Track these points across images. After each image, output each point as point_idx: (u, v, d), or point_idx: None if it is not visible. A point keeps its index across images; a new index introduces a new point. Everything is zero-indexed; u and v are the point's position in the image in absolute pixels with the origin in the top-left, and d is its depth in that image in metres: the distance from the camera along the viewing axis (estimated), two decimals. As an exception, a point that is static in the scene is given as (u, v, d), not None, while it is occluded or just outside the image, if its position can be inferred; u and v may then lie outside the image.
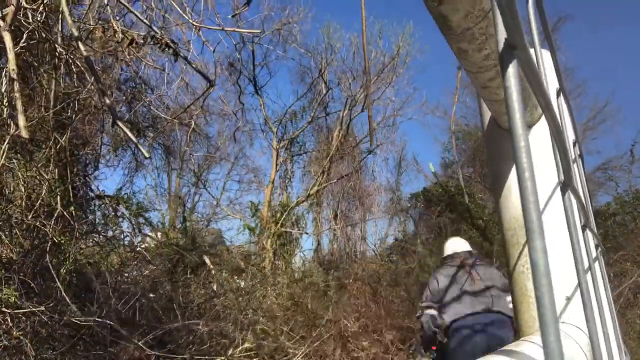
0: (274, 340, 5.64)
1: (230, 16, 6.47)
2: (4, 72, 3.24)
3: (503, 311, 3.32)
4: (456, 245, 3.90)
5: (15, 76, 2.28)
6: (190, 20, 3.21)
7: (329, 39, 11.08)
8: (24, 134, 2.18)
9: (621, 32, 22.36)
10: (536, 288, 0.33)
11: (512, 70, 0.41)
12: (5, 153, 3.10)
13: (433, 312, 3.49)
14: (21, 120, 2.17)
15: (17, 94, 2.34)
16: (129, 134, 2.32)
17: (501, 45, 0.45)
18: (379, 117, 12.10)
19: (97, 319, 3.61)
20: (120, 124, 2.19)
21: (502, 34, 0.46)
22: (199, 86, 8.68)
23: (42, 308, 3.26)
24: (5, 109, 3.19)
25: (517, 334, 3.62)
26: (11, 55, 2.19)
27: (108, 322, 3.77)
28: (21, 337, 3.09)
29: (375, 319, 6.88)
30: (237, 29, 4.64)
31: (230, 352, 4.61)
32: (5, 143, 3.10)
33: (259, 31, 8.90)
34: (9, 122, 3.27)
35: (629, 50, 21.15)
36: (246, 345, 4.97)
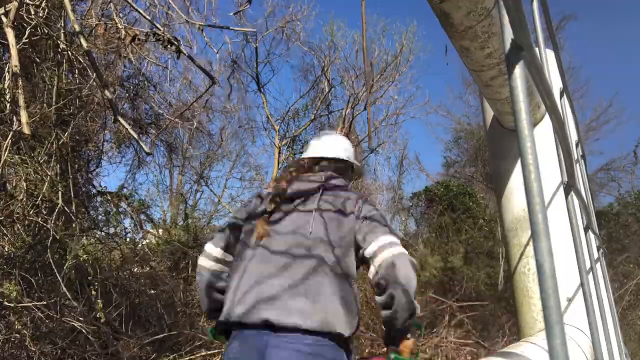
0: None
1: (232, 13, 6.46)
2: (6, 68, 3.24)
3: (317, 327, 1.41)
4: (316, 146, 2.00)
5: (18, 72, 2.28)
6: (194, 21, 3.21)
7: (332, 37, 11.06)
8: (26, 130, 2.19)
9: (626, 31, 22.27)
10: (541, 290, 0.32)
11: (518, 70, 0.41)
12: (7, 149, 3.10)
13: (205, 264, 1.73)
14: (23, 116, 2.17)
15: (19, 90, 2.34)
16: (130, 129, 2.32)
17: (507, 46, 0.45)
18: (382, 115, 12.09)
19: (97, 316, 3.62)
20: (120, 119, 2.19)
21: (508, 34, 0.45)
22: (201, 84, 8.69)
23: (44, 303, 3.27)
24: (7, 105, 3.19)
25: (518, 334, 3.60)
26: (14, 51, 2.19)
27: (108, 318, 3.78)
28: (22, 332, 3.10)
29: (375, 317, 6.88)
30: (237, 29, 4.63)
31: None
32: (8, 139, 3.10)
33: (255, 30, 8.89)
34: (11, 118, 3.28)
35: (634, 50, 21.08)
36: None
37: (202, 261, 1.74)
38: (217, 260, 1.73)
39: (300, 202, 1.71)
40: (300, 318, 1.41)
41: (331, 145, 1.98)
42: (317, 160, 1.92)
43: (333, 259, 1.54)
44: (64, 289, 3.44)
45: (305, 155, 2.01)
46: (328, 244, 1.57)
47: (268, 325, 1.42)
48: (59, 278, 3.40)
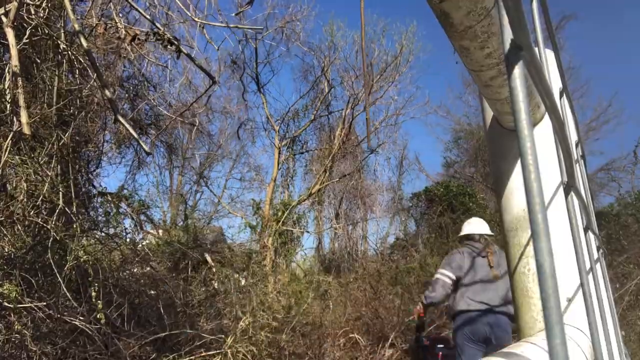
0: (274, 338, 5.65)
1: (233, 14, 6.46)
2: (7, 69, 3.24)
3: (509, 311, 3.27)
4: (478, 226, 3.69)
5: (18, 72, 2.28)
6: (194, 18, 3.21)
7: (332, 37, 11.07)
8: (27, 130, 2.19)
9: (626, 31, 22.28)
10: (542, 290, 0.32)
11: (518, 71, 0.41)
12: (8, 149, 3.10)
13: (448, 281, 3.49)
14: (24, 117, 2.18)
15: (19, 90, 2.34)
16: (130, 129, 2.32)
17: (507, 46, 0.45)
18: (381, 115, 12.10)
19: (97, 317, 3.62)
20: (121, 119, 2.19)
21: (508, 34, 0.45)
22: (201, 84, 8.69)
23: (44, 303, 3.26)
24: (8, 105, 3.19)
25: (518, 334, 3.62)
26: (14, 52, 2.19)
27: (109, 319, 3.78)
28: (22, 332, 3.10)
29: (375, 318, 6.88)
30: (240, 26, 4.63)
31: (227, 344, 4.62)
32: (8, 139, 3.10)
33: (261, 28, 8.90)
34: (11, 119, 3.27)
35: (634, 50, 21.07)
36: (245, 343, 4.97)
37: None
38: None
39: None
40: None
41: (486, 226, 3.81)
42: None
43: None
44: (64, 289, 3.44)
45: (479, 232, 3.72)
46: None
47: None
48: (59, 278, 3.40)
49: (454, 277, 3.51)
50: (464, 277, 3.45)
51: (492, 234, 3.69)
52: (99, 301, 3.72)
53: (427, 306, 3.76)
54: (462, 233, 3.75)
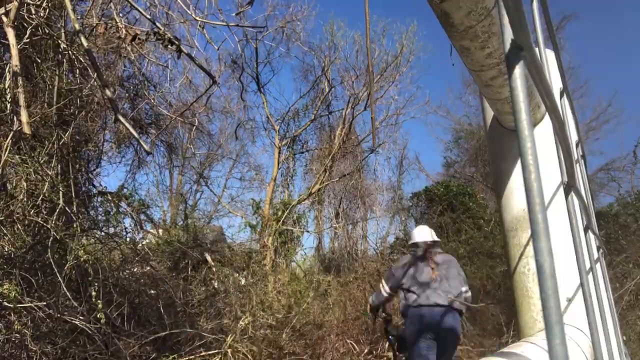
0: (274, 337, 5.65)
1: (234, 14, 6.47)
2: (7, 68, 3.24)
3: (455, 306, 3.71)
4: (422, 234, 4.12)
5: (18, 72, 2.28)
6: (195, 17, 3.21)
7: (332, 37, 11.07)
8: (27, 129, 2.19)
9: (626, 31, 22.28)
10: (541, 290, 0.32)
11: (518, 71, 0.41)
12: (8, 149, 3.10)
13: (383, 293, 4.07)
14: (24, 116, 2.18)
15: (20, 90, 2.34)
16: (130, 128, 2.32)
17: (507, 46, 0.45)
18: (382, 115, 12.10)
19: (97, 316, 3.62)
20: (121, 118, 2.19)
21: (508, 35, 0.45)
22: (201, 84, 8.69)
23: (44, 303, 3.27)
24: (8, 105, 3.19)
25: (518, 334, 3.60)
26: (14, 51, 2.19)
27: (109, 318, 3.78)
28: (22, 332, 3.10)
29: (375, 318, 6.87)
30: (240, 25, 4.64)
31: (227, 343, 4.62)
32: (9, 139, 3.10)
33: (262, 27, 8.91)
34: (12, 118, 3.28)
35: (634, 50, 21.07)
36: (245, 342, 4.98)
37: None
38: None
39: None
40: None
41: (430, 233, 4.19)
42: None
43: None
44: (64, 288, 3.44)
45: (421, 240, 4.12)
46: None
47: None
48: (59, 278, 3.40)
49: (387, 289, 4.04)
50: (406, 282, 3.89)
51: (438, 239, 4.11)
52: (99, 301, 3.72)
53: (374, 307, 4.30)
54: (410, 242, 4.26)
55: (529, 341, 2.03)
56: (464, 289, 3.86)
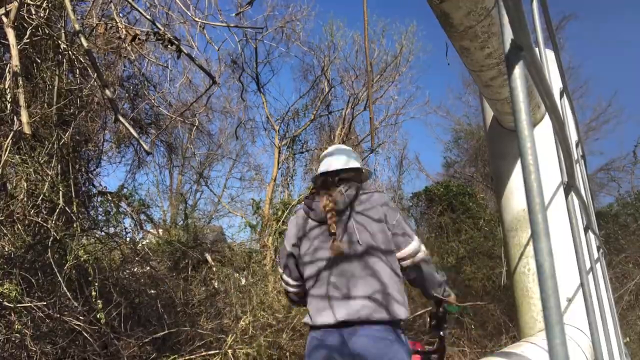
0: (274, 337, 5.65)
1: (233, 14, 6.46)
2: (7, 68, 3.24)
3: (381, 317, 1.77)
4: (330, 161, 2.09)
5: (18, 72, 2.28)
6: (195, 18, 3.21)
7: (332, 37, 11.08)
8: (27, 129, 2.19)
9: (626, 31, 22.28)
10: (541, 290, 0.32)
11: (518, 71, 0.41)
12: (8, 149, 3.10)
13: (288, 289, 2.15)
14: (24, 116, 2.18)
15: (20, 90, 2.35)
16: (130, 128, 2.32)
17: (507, 46, 0.45)
18: (381, 115, 12.11)
19: (97, 316, 3.62)
20: (121, 118, 2.19)
21: (508, 35, 0.45)
22: (201, 84, 8.70)
23: (44, 303, 3.27)
24: (8, 105, 3.19)
25: (518, 335, 3.60)
26: (14, 52, 2.20)
27: (109, 318, 3.78)
28: (22, 332, 3.10)
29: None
30: (240, 26, 4.63)
31: (228, 344, 4.62)
32: (9, 139, 3.10)
33: (262, 27, 8.91)
34: (12, 118, 3.28)
35: (634, 50, 21.08)
36: (245, 343, 4.98)
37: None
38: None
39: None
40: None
41: (343, 157, 2.18)
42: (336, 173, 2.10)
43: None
44: (64, 288, 3.44)
45: (324, 170, 2.12)
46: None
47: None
48: (59, 278, 3.41)
49: (293, 279, 2.11)
50: (304, 267, 2.00)
51: (359, 165, 2.12)
52: (98, 301, 3.72)
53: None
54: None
55: (529, 341, 2.03)
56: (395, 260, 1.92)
